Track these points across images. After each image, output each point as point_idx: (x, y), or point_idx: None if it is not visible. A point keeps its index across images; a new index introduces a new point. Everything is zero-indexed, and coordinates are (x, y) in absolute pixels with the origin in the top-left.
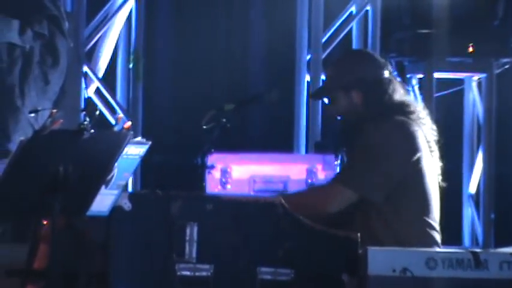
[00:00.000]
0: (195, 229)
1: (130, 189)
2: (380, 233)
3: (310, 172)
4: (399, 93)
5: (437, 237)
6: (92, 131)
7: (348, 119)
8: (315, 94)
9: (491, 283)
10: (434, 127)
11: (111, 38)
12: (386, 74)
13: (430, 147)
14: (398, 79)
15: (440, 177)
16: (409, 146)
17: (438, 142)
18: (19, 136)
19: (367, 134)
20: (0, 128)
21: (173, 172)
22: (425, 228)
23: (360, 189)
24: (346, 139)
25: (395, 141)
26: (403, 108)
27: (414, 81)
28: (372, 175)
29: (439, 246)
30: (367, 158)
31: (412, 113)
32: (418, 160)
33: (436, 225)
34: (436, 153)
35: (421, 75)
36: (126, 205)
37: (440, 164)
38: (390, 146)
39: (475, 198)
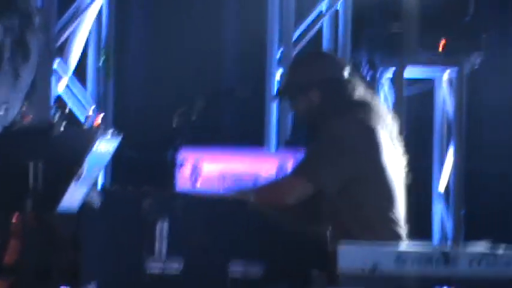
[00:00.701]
0: (166, 226)
1: (100, 185)
2: (346, 227)
3: (281, 169)
4: (359, 92)
5: (402, 233)
6: (63, 126)
7: (309, 117)
8: (275, 95)
9: (461, 280)
10: (396, 124)
11: (82, 33)
12: (345, 74)
13: (392, 143)
14: (367, 78)
15: (405, 173)
16: (367, 141)
17: (401, 138)
18: None
19: (325, 129)
20: None
21: (144, 168)
22: (388, 224)
23: (315, 181)
24: (306, 136)
25: (353, 135)
26: (363, 106)
27: (385, 79)
28: (327, 167)
29: (404, 237)
30: (324, 151)
31: (372, 110)
32: (378, 155)
33: (401, 222)
34: (400, 149)
35: (391, 72)
36: (97, 201)
37: (404, 160)
38: (347, 140)
39: (445, 195)
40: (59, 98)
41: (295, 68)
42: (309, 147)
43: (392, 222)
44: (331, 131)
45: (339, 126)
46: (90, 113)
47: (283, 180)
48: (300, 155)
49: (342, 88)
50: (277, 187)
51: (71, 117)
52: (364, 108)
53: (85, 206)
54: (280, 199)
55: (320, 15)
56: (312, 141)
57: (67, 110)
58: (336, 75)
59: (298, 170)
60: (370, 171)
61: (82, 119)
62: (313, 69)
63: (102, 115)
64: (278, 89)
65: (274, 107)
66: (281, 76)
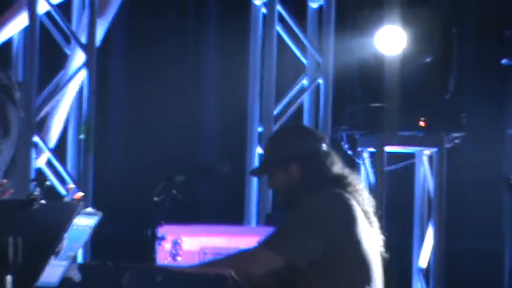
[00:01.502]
0: None
1: (80, 260)
2: None
3: None
4: (337, 166)
5: None
6: (42, 201)
7: (286, 192)
8: (254, 171)
9: None
10: (372, 199)
11: (63, 108)
12: (323, 147)
13: (368, 218)
14: (347, 153)
15: (382, 250)
16: (343, 216)
17: (377, 214)
18: None
19: (301, 204)
20: None
21: (124, 243)
22: None
23: (284, 254)
24: (283, 211)
25: (328, 210)
26: (340, 181)
27: (366, 155)
28: (299, 241)
29: None
30: (297, 225)
31: (349, 185)
32: (353, 230)
33: None
34: (376, 224)
35: (372, 149)
36: (76, 276)
37: (380, 236)
38: (322, 215)
39: (425, 272)
40: (39, 172)
41: (274, 142)
42: (282, 220)
43: None
44: (306, 205)
45: (314, 201)
46: (71, 186)
47: (251, 251)
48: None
49: (322, 162)
50: (244, 257)
51: (51, 192)
52: (340, 183)
53: (64, 281)
54: (245, 270)
55: (301, 91)
56: (286, 215)
57: (47, 184)
58: (315, 149)
59: (267, 242)
60: (345, 246)
61: (62, 193)
62: (292, 143)
63: (81, 193)
64: (255, 166)
65: (254, 183)
66: (260, 154)
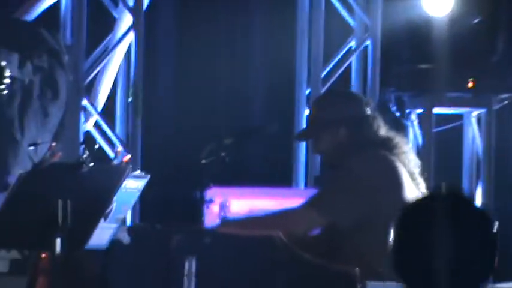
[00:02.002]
0: (194, 263)
1: (129, 222)
2: (367, 263)
3: None
4: (383, 129)
5: None
6: (91, 164)
7: (332, 155)
8: (299, 135)
9: None
10: (418, 161)
11: (111, 71)
12: (369, 111)
13: (414, 180)
14: (396, 116)
15: None
16: (388, 179)
17: (424, 176)
18: (18, 169)
19: (346, 166)
20: (0, 160)
21: (172, 206)
22: None
23: (327, 214)
24: (328, 173)
25: (373, 173)
26: (387, 143)
27: (414, 116)
28: (342, 202)
29: None
30: (341, 186)
31: (395, 147)
32: (398, 193)
33: None
34: (422, 186)
35: (420, 110)
36: (125, 239)
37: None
38: (367, 177)
39: None
40: (87, 136)
41: (321, 106)
42: (327, 181)
43: None
44: (351, 167)
45: (360, 162)
46: (119, 150)
47: (295, 211)
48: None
49: (367, 125)
50: (287, 217)
51: (100, 155)
52: (386, 146)
53: (113, 243)
54: (288, 229)
55: (348, 53)
56: (331, 176)
57: (96, 148)
58: (362, 113)
59: (311, 201)
60: (389, 209)
61: (111, 156)
62: (339, 106)
63: (129, 156)
64: (301, 129)
65: (302, 145)
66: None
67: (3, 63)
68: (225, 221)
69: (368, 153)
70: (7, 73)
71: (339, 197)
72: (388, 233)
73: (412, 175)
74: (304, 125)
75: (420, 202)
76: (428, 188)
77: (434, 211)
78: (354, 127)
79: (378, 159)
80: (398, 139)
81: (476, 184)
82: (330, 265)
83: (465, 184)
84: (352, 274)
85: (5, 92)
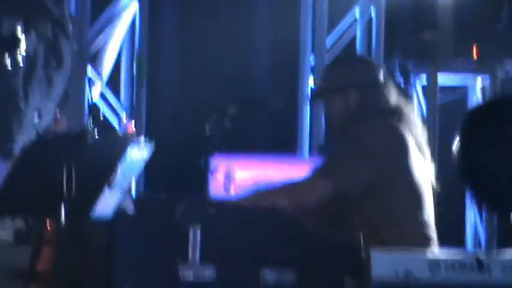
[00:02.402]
0: (199, 232)
1: (133, 192)
2: (374, 231)
3: None
4: (393, 96)
5: (432, 236)
6: (96, 134)
7: (341, 119)
8: (312, 97)
9: (494, 287)
10: (425, 130)
11: (115, 41)
12: (381, 76)
13: (420, 149)
14: (400, 85)
15: (434, 180)
16: (395, 146)
17: (430, 145)
18: (23, 138)
19: (354, 133)
20: (4, 130)
21: (177, 175)
22: (417, 228)
23: (336, 182)
24: (335, 138)
25: (381, 140)
26: (395, 111)
27: (418, 86)
28: (351, 169)
29: (435, 244)
30: (349, 153)
31: (403, 115)
32: (405, 160)
33: (430, 225)
34: (428, 155)
35: (424, 79)
36: (130, 208)
37: (433, 167)
38: (375, 144)
39: None
40: (92, 105)
41: (334, 70)
42: (334, 149)
43: (421, 225)
44: (359, 134)
45: (367, 129)
46: (124, 119)
47: (304, 181)
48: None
49: (378, 92)
50: (297, 187)
51: (105, 124)
52: (395, 114)
53: (118, 213)
54: (299, 199)
55: (353, 22)
56: (338, 142)
57: (101, 117)
58: (374, 78)
59: (320, 170)
60: (396, 176)
61: (116, 126)
62: (352, 71)
63: (133, 122)
64: (314, 91)
65: (307, 113)
66: (315, 80)
67: (21, 35)
68: (235, 193)
69: (377, 120)
70: (23, 45)
71: (347, 163)
72: (394, 201)
73: (418, 144)
74: (308, 94)
75: (484, 107)
76: (433, 158)
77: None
78: (365, 92)
79: (386, 127)
80: (407, 107)
81: None
82: (334, 234)
83: None
84: (357, 242)
85: (21, 65)
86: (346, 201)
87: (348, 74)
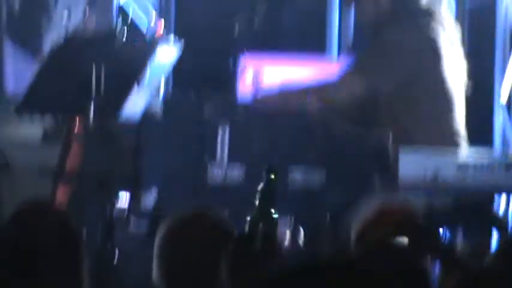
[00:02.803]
0: (227, 131)
1: (162, 91)
2: (403, 128)
3: None
4: None
5: (461, 137)
6: (125, 34)
7: (374, 20)
8: None
9: None
10: (459, 29)
11: None
12: None
13: (453, 52)
14: None
15: (466, 83)
16: (428, 48)
17: (463, 48)
18: (52, 35)
19: (387, 34)
20: (33, 25)
21: (205, 73)
22: (446, 128)
23: (368, 76)
24: (367, 37)
25: (414, 38)
26: (428, 11)
27: None
28: (384, 65)
29: (462, 147)
30: (383, 50)
31: (436, 18)
32: (436, 62)
33: (460, 124)
34: (461, 54)
35: None
36: (159, 106)
37: (465, 69)
38: (409, 42)
39: (507, 106)
40: (121, 5)
41: None
42: (367, 46)
43: (450, 126)
44: (391, 36)
45: (401, 30)
46: (152, 21)
47: (337, 78)
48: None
49: None
50: (327, 85)
51: (134, 24)
52: (427, 14)
53: (147, 113)
54: (330, 96)
55: None
56: (370, 43)
57: (130, 17)
58: None
59: (351, 67)
60: (427, 77)
61: (144, 27)
62: None
63: (163, 22)
64: None
65: (336, 12)
66: None
67: None
68: (263, 92)
69: (409, 23)
70: None
71: (380, 60)
72: (424, 101)
73: (452, 43)
74: None
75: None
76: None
77: None
78: None
79: (419, 29)
80: (440, 7)
81: (509, 55)
82: (362, 130)
83: (498, 56)
84: (386, 140)
85: None
86: (376, 99)
87: None
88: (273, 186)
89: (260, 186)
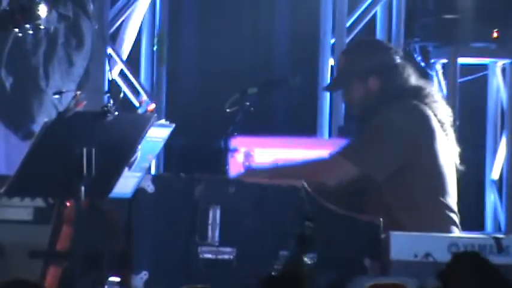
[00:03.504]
0: (218, 212)
1: (153, 171)
2: (395, 213)
3: None
4: (413, 78)
5: (456, 219)
6: (116, 113)
7: (363, 105)
8: (330, 86)
9: None
10: (450, 111)
11: (136, 20)
12: (399, 59)
13: (444, 130)
14: (420, 66)
15: (457, 161)
16: (420, 128)
17: (454, 126)
18: (43, 117)
19: (380, 116)
20: (25, 109)
21: (196, 155)
22: (441, 210)
23: (361, 164)
24: (359, 124)
25: (406, 123)
26: (418, 92)
27: (438, 67)
28: (375, 152)
29: (458, 228)
30: (374, 136)
31: (426, 96)
32: (430, 142)
33: (454, 207)
34: (452, 136)
35: (445, 61)
36: (149, 187)
37: (456, 147)
38: (400, 127)
39: (498, 184)
40: (112, 84)
41: (350, 56)
42: (360, 132)
43: (445, 208)
44: (384, 118)
45: (392, 112)
46: (144, 98)
47: (328, 160)
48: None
49: (399, 74)
50: (320, 166)
51: (125, 104)
52: (418, 95)
53: (138, 192)
54: (321, 177)
55: (373, 2)
56: (364, 127)
57: (121, 96)
58: (392, 62)
59: (345, 151)
60: (421, 158)
61: (136, 105)
62: (368, 55)
63: (154, 105)
64: (332, 79)
65: (327, 95)
66: (332, 66)
67: (42, 10)
68: (252, 170)
69: (400, 103)
70: (43, 10)
71: (372, 147)
72: (418, 185)
73: (442, 125)
74: (328, 75)
75: None
76: (456, 138)
77: None
78: (384, 76)
79: (410, 109)
80: (429, 88)
81: (500, 135)
82: (354, 215)
83: (489, 135)
84: (377, 224)
85: (43, 27)
86: (368, 183)
87: (365, 60)
88: (309, 232)
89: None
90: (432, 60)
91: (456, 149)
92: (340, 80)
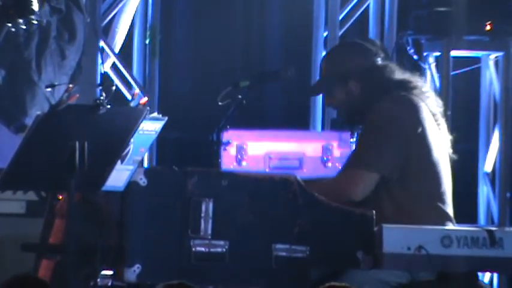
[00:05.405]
0: (211, 205)
1: (146, 164)
2: (390, 211)
3: (326, 149)
4: (397, 73)
5: (450, 211)
6: (108, 106)
7: (347, 108)
8: (312, 91)
9: (506, 261)
10: (440, 102)
11: (128, 13)
12: (379, 60)
13: (436, 120)
14: (413, 59)
15: (450, 150)
16: (411, 119)
17: (445, 116)
18: (36, 111)
19: (371, 115)
20: (17, 102)
21: (189, 148)
22: (436, 202)
23: (378, 168)
24: (353, 126)
25: (398, 115)
26: (404, 85)
27: (431, 60)
28: (387, 153)
29: (451, 221)
30: (378, 136)
31: (414, 88)
32: (423, 133)
33: (448, 199)
34: (444, 126)
35: (438, 54)
36: (142, 180)
37: (449, 136)
38: (394, 121)
39: (491, 176)
40: (105, 77)
41: (330, 60)
42: (360, 136)
43: (440, 200)
44: (378, 116)
45: (383, 108)
46: (136, 92)
47: (343, 176)
48: (347, 135)
49: (380, 73)
50: (340, 183)
51: (117, 97)
52: (405, 87)
53: (130, 185)
54: (346, 194)
55: None
56: (360, 130)
57: (113, 89)
58: (371, 63)
59: (357, 161)
60: (416, 149)
61: (128, 98)
62: (347, 60)
63: (146, 98)
64: (312, 85)
65: None
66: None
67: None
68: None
69: (388, 98)
70: (36, 5)
71: (379, 147)
72: (418, 178)
73: (434, 115)
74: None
75: None
76: (448, 128)
77: None
78: (364, 79)
79: (400, 101)
80: (416, 79)
81: (493, 128)
82: (346, 207)
83: (482, 127)
84: (369, 216)
85: (36, 22)
86: (379, 187)
87: (342, 65)
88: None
89: None
90: (425, 53)
91: (449, 138)
92: (321, 85)
